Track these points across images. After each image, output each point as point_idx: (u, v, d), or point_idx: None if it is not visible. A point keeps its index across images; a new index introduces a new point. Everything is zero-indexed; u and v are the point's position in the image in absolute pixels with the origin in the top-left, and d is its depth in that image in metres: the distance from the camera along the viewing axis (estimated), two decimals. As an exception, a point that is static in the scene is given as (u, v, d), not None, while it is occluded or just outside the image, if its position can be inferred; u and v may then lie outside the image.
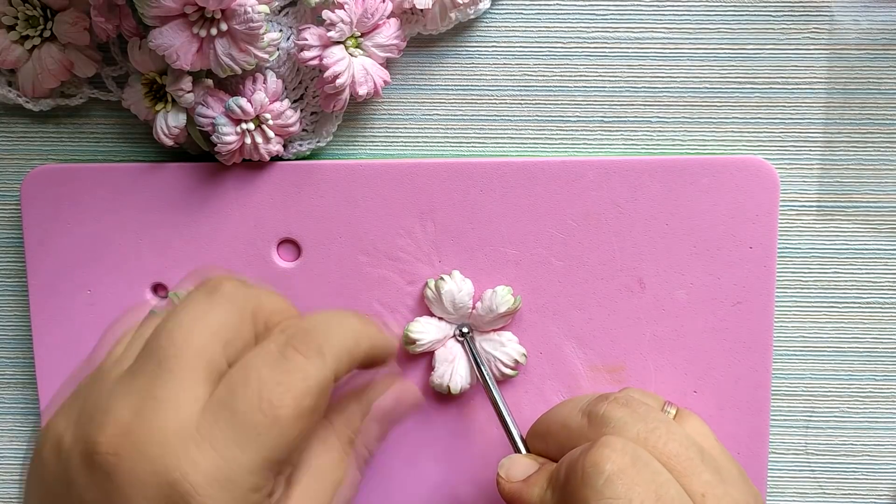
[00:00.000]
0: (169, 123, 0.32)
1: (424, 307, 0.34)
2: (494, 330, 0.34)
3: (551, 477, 0.27)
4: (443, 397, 0.34)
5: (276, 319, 0.28)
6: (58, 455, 0.25)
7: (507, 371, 0.33)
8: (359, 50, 0.32)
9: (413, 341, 0.33)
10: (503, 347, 0.33)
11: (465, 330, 0.34)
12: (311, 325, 0.27)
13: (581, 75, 0.34)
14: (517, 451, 0.30)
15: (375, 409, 0.31)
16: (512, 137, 0.34)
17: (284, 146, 0.34)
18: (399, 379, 0.32)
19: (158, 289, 0.34)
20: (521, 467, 0.29)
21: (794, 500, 0.36)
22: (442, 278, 0.33)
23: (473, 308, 0.33)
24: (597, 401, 0.29)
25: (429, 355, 0.34)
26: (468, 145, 0.35)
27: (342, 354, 0.27)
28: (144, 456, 0.24)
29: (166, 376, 0.25)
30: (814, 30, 0.34)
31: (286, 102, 0.33)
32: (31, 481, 0.27)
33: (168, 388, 0.25)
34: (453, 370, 0.33)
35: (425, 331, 0.33)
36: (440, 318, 0.34)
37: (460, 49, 0.34)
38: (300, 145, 0.34)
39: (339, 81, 0.32)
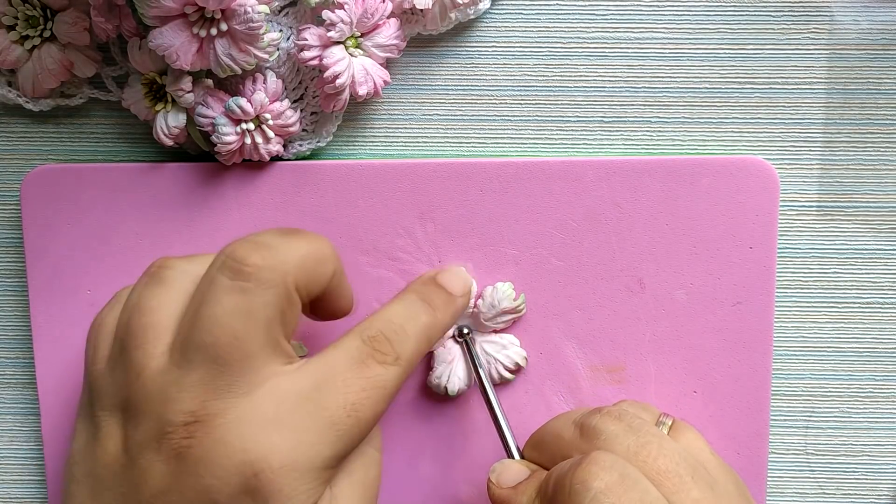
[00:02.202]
0: (169, 123, 0.32)
1: None
2: (496, 331, 0.34)
3: (540, 487, 0.28)
4: (442, 398, 0.34)
5: (323, 270, 0.28)
6: (119, 445, 0.26)
7: (507, 374, 0.33)
8: (359, 50, 0.32)
9: None
10: (504, 350, 0.33)
11: (464, 330, 0.34)
12: (391, 329, 0.28)
13: (581, 75, 0.34)
14: (511, 456, 0.30)
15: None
16: (512, 137, 0.34)
17: (284, 146, 0.34)
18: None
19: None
20: (512, 473, 0.29)
21: (794, 501, 0.36)
22: None
23: (475, 307, 0.33)
24: (590, 413, 0.29)
25: (428, 355, 0.34)
26: (468, 145, 0.35)
27: (415, 359, 0.29)
28: (221, 440, 0.25)
29: (225, 368, 0.25)
30: (814, 30, 0.34)
31: (286, 102, 0.33)
32: (79, 470, 0.27)
33: (230, 377, 0.25)
34: (451, 371, 0.33)
35: None
36: None
37: (460, 49, 0.34)
38: (300, 145, 0.34)
39: (339, 81, 0.32)
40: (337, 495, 0.27)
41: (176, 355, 0.26)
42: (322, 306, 0.30)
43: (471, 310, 0.33)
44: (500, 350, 0.33)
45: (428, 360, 0.34)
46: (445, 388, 0.33)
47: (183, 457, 0.25)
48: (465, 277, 0.33)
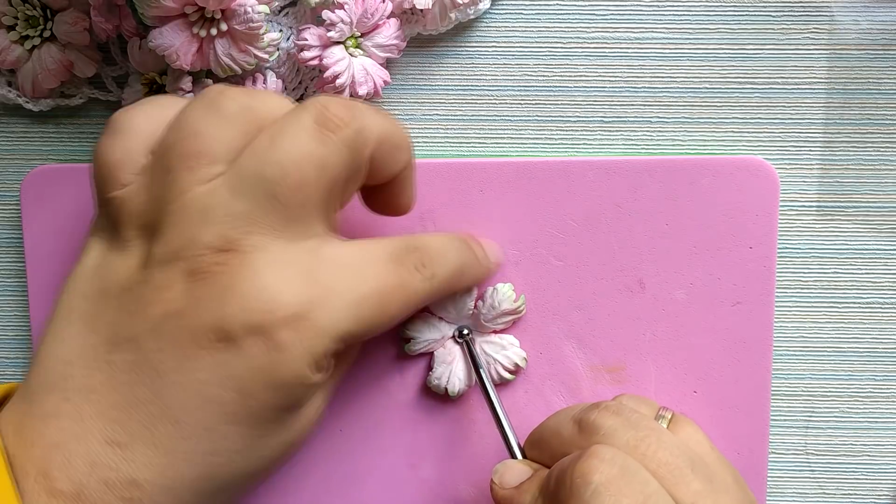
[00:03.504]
0: (169, 123, 0.32)
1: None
2: (496, 332, 0.34)
3: (542, 485, 0.28)
4: (442, 398, 0.34)
5: (398, 156, 0.28)
6: (138, 260, 0.25)
7: (507, 375, 0.33)
8: (359, 50, 0.32)
9: (409, 339, 0.33)
10: (504, 350, 0.33)
11: (464, 331, 0.34)
12: (434, 248, 0.29)
13: (581, 75, 0.34)
14: (513, 456, 0.30)
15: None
16: (512, 137, 0.34)
17: (284, 146, 0.34)
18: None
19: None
20: (514, 473, 0.29)
21: (794, 501, 0.36)
22: None
23: (475, 308, 0.33)
24: (588, 408, 0.29)
25: (428, 356, 0.34)
26: (468, 145, 0.35)
27: (446, 285, 0.29)
28: (252, 275, 0.24)
29: (279, 208, 0.25)
30: (814, 30, 0.34)
31: (286, 102, 0.33)
32: (84, 286, 0.26)
33: (282, 219, 0.25)
34: (451, 372, 0.33)
35: (422, 329, 0.33)
36: (440, 318, 0.34)
37: (460, 49, 0.34)
38: (300, 145, 0.34)
39: (338, 81, 0.32)
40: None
41: (233, 180, 0.25)
42: (383, 197, 0.29)
43: (471, 311, 0.33)
44: (500, 350, 0.33)
45: (428, 361, 0.34)
46: (446, 388, 0.33)
47: (208, 281, 0.24)
48: (497, 249, 0.33)
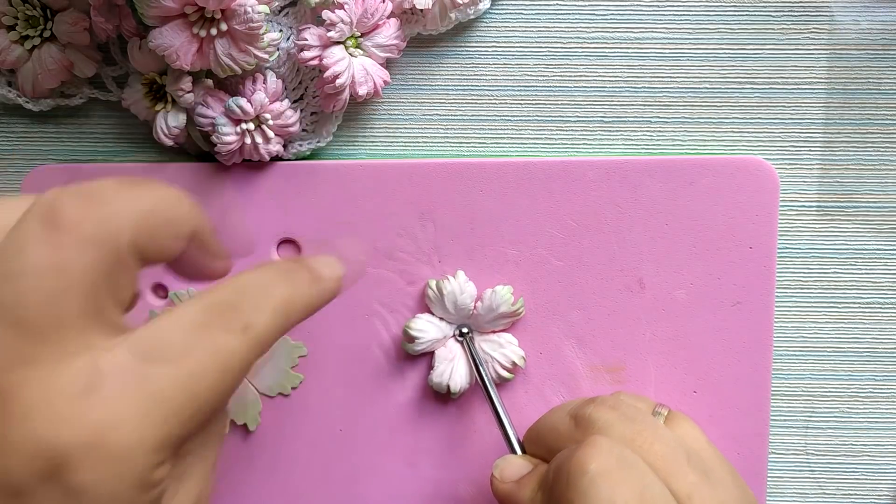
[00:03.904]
0: (169, 123, 0.32)
1: (424, 306, 0.34)
2: (494, 331, 0.34)
3: (542, 478, 0.27)
4: (442, 398, 0.34)
5: (173, 230, 0.24)
6: None
7: (504, 374, 0.33)
8: (359, 50, 0.32)
9: (413, 339, 0.33)
10: (501, 349, 0.33)
11: (464, 330, 0.34)
12: (242, 295, 0.24)
13: (581, 75, 0.34)
14: (513, 452, 0.30)
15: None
16: (512, 137, 0.34)
17: (284, 146, 0.34)
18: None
19: (158, 289, 0.34)
20: (514, 468, 0.29)
21: (794, 501, 0.36)
22: (446, 278, 0.33)
23: (474, 310, 0.33)
24: (584, 403, 0.29)
25: (428, 356, 0.34)
26: (468, 145, 0.35)
27: (269, 334, 0.24)
28: (22, 418, 0.21)
29: (30, 334, 0.21)
30: (814, 30, 0.34)
31: (286, 102, 0.33)
32: None
33: (37, 346, 0.21)
34: (453, 369, 0.33)
35: (425, 329, 0.33)
36: (441, 318, 0.34)
37: (460, 49, 0.34)
38: (300, 145, 0.34)
39: (339, 81, 0.32)
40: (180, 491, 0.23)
41: None
42: (188, 269, 0.26)
43: (471, 312, 0.33)
44: (498, 349, 0.33)
45: (428, 361, 0.34)
46: (448, 386, 0.33)
47: None
48: (335, 264, 0.29)
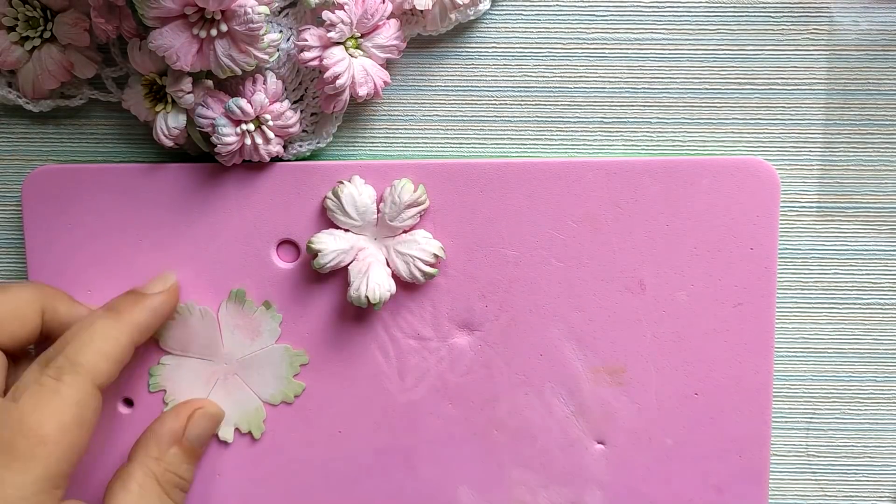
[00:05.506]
0: (169, 124, 0.32)
1: (425, 301, 0.34)
2: (406, 231, 0.33)
3: None
4: (442, 397, 0.34)
5: (19, 328, 0.30)
6: None
7: (428, 269, 0.33)
8: (359, 51, 0.32)
9: (316, 252, 0.32)
10: (419, 245, 0.33)
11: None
12: (62, 343, 0.29)
13: (581, 76, 0.34)
14: None
15: (181, 439, 0.32)
16: (512, 138, 0.34)
17: (284, 147, 0.34)
18: (198, 404, 0.34)
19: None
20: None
21: (796, 502, 0.36)
22: (341, 182, 0.33)
23: (378, 212, 0.33)
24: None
25: (426, 354, 0.34)
26: (468, 145, 0.35)
27: (101, 362, 0.29)
28: None
29: None
30: (814, 30, 0.34)
31: (286, 103, 0.33)
32: None
33: None
34: (368, 280, 0.33)
35: (326, 241, 0.32)
36: (346, 231, 0.33)
37: (460, 50, 0.34)
38: (300, 146, 0.34)
39: (339, 82, 0.32)
40: None
41: None
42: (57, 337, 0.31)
43: (376, 215, 0.33)
44: (415, 246, 0.33)
45: (344, 279, 0.34)
46: (367, 297, 0.32)
47: None
48: (165, 277, 0.34)
